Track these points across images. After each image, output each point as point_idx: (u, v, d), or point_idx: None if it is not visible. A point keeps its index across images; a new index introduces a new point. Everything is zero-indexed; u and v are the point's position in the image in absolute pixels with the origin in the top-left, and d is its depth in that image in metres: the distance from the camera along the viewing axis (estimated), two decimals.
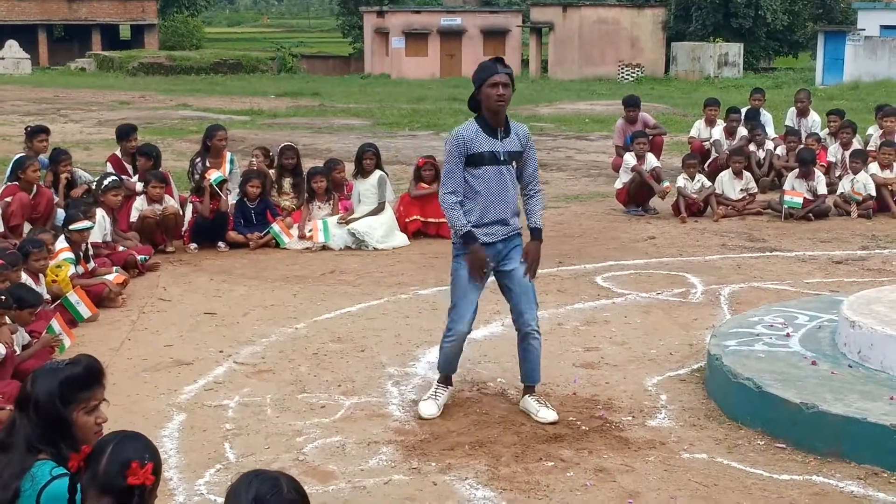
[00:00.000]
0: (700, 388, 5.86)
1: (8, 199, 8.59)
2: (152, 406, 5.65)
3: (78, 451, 2.80)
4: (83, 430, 3.17)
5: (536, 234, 5.45)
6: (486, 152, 5.26)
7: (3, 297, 5.87)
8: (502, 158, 5.29)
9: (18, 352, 5.95)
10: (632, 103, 12.88)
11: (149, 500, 2.77)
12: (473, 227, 5.30)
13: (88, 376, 3.24)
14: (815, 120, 13.67)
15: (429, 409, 5.44)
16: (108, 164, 10.27)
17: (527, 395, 5.55)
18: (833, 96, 27.41)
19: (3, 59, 42.63)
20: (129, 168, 10.14)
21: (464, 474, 4.75)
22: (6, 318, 5.90)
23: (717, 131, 13.09)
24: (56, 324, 6.81)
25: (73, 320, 7.10)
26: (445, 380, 5.61)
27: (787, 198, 11.04)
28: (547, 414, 5.41)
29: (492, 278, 5.49)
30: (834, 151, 12.49)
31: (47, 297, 7.10)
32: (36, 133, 9.86)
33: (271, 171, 10.48)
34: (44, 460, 3.14)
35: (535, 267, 5.45)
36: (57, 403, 3.15)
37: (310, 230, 9.84)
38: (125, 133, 10.50)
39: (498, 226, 5.35)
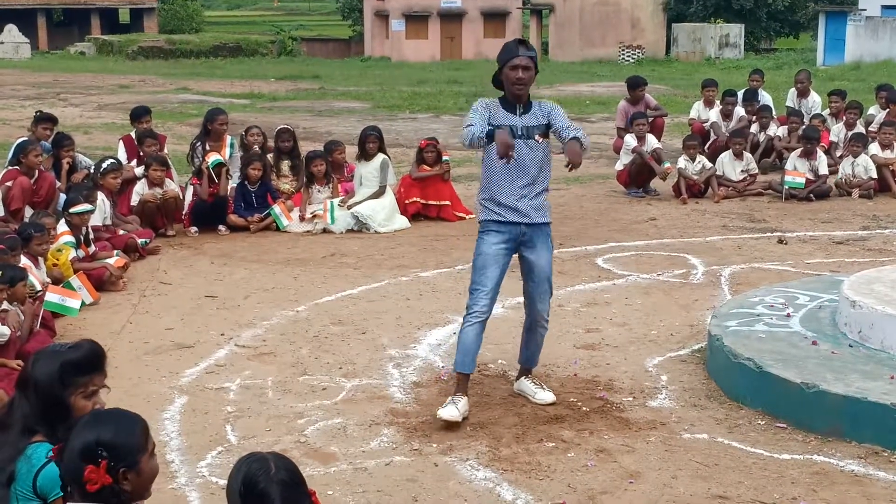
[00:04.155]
0: (701, 368, 5.86)
1: (9, 184, 8.58)
2: (154, 389, 5.66)
3: None
4: (80, 414, 3.13)
5: (573, 141, 5.18)
6: (504, 126, 5.20)
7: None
8: (519, 133, 5.22)
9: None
10: (635, 84, 12.83)
11: (137, 484, 2.69)
12: (495, 202, 5.23)
13: (89, 361, 3.23)
14: (815, 101, 13.63)
15: (449, 412, 5.15)
16: (122, 142, 10.25)
17: (523, 378, 5.55)
18: (834, 77, 27.32)
19: (2, 43, 42.52)
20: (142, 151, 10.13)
21: (465, 455, 4.77)
22: (4, 302, 5.90)
23: (714, 114, 13.07)
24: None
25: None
26: (461, 387, 5.30)
27: (788, 178, 11.03)
28: (545, 396, 5.41)
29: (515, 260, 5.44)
30: (837, 131, 12.47)
31: (48, 280, 7.10)
32: (42, 120, 9.81)
33: (268, 155, 10.46)
34: (39, 442, 3.14)
35: (576, 160, 5.13)
36: (56, 386, 3.14)
37: (316, 210, 9.81)
38: (139, 115, 10.52)
39: (524, 204, 5.24)
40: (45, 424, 3.13)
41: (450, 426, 5.08)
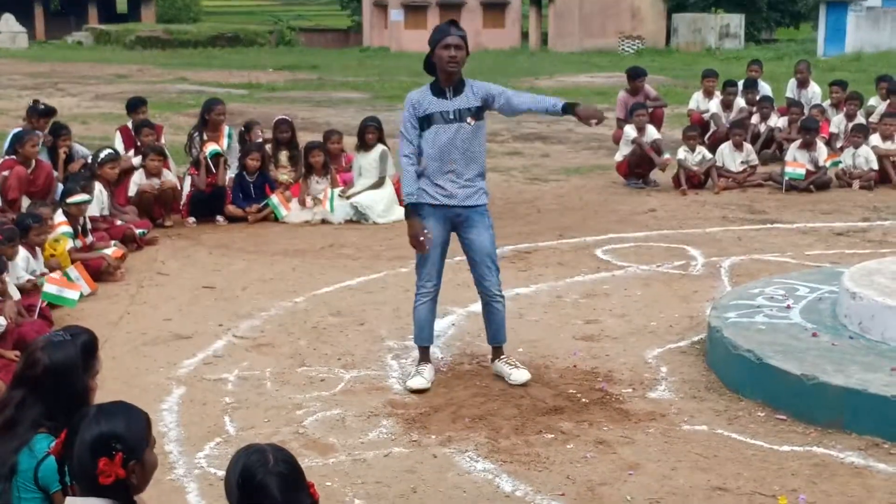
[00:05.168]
0: (700, 360, 5.85)
1: (5, 173, 8.55)
2: (152, 380, 5.64)
3: None
4: (92, 396, 3.23)
5: (569, 107, 5.34)
6: (434, 112, 5.33)
7: None
8: (451, 117, 5.32)
9: None
10: (635, 74, 12.80)
11: (140, 477, 2.69)
12: (428, 185, 5.34)
13: (96, 342, 3.32)
14: (815, 91, 13.60)
15: (417, 382, 5.44)
16: (118, 133, 10.23)
17: (497, 360, 5.60)
18: (835, 67, 27.26)
19: None
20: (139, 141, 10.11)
21: (464, 447, 4.75)
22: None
23: (715, 104, 13.04)
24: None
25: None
26: (424, 356, 5.61)
27: (788, 169, 11.01)
28: (520, 375, 5.46)
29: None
30: (837, 122, 12.45)
31: (45, 270, 7.08)
32: (41, 115, 9.76)
33: (266, 146, 10.43)
34: (43, 434, 3.13)
35: (598, 115, 5.36)
36: (80, 371, 3.20)
37: (316, 196, 9.79)
38: (134, 105, 10.50)
39: (455, 187, 5.36)
40: (59, 417, 3.12)
41: (449, 418, 5.07)
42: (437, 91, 5.37)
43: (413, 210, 5.35)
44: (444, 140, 5.32)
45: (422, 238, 5.31)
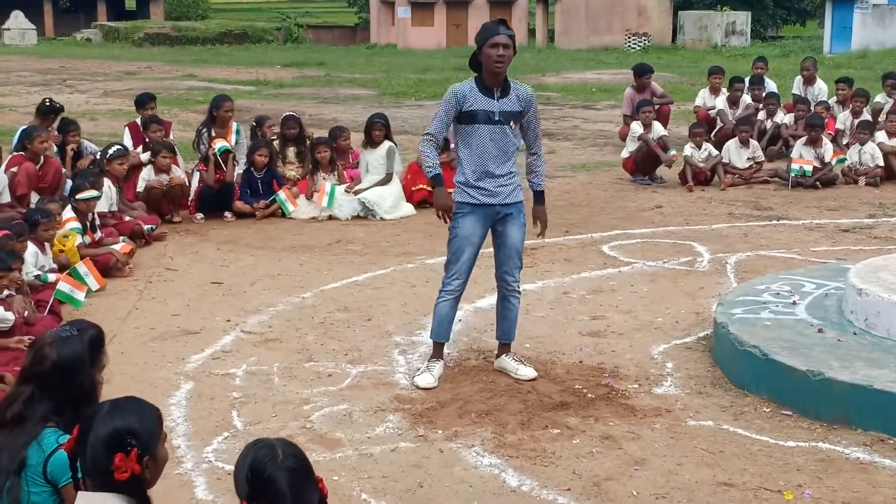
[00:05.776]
0: (706, 355, 5.86)
1: (14, 169, 8.59)
2: (160, 375, 5.68)
3: None
4: (100, 391, 3.24)
5: (540, 197, 5.59)
6: (479, 110, 5.30)
7: None
8: (497, 118, 5.31)
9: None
10: (641, 71, 12.81)
11: (153, 472, 2.71)
12: (470, 185, 5.36)
13: (103, 337, 3.32)
14: (821, 88, 13.60)
15: (425, 379, 5.45)
16: (127, 129, 10.27)
17: (503, 355, 5.63)
18: (841, 65, 27.19)
19: (8, 29, 42.49)
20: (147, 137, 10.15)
21: (470, 442, 4.77)
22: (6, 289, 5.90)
23: (721, 101, 13.05)
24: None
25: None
26: (437, 353, 5.62)
27: (794, 166, 11.01)
28: (526, 371, 5.50)
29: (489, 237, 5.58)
30: (843, 119, 12.43)
31: (54, 266, 7.12)
32: (49, 113, 9.81)
33: (274, 142, 10.46)
34: (51, 428, 3.15)
35: (545, 227, 5.64)
36: (87, 366, 3.20)
37: (317, 190, 9.85)
38: (143, 102, 10.54)
39: (496, 185, 5.37)
40: (68, 411, 3.13)
41: (456, 413, 5.09)
42: (484, 89, 5.33)
43: (438, 181, 5.39)
44: (487, 140, 5.32)
45: (449, 213, 5.39)
